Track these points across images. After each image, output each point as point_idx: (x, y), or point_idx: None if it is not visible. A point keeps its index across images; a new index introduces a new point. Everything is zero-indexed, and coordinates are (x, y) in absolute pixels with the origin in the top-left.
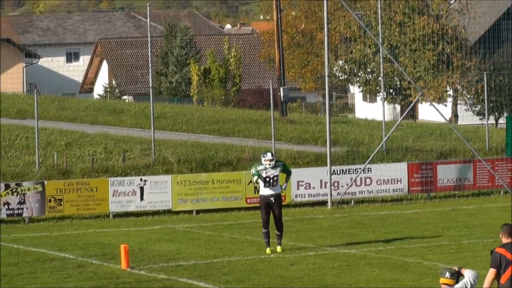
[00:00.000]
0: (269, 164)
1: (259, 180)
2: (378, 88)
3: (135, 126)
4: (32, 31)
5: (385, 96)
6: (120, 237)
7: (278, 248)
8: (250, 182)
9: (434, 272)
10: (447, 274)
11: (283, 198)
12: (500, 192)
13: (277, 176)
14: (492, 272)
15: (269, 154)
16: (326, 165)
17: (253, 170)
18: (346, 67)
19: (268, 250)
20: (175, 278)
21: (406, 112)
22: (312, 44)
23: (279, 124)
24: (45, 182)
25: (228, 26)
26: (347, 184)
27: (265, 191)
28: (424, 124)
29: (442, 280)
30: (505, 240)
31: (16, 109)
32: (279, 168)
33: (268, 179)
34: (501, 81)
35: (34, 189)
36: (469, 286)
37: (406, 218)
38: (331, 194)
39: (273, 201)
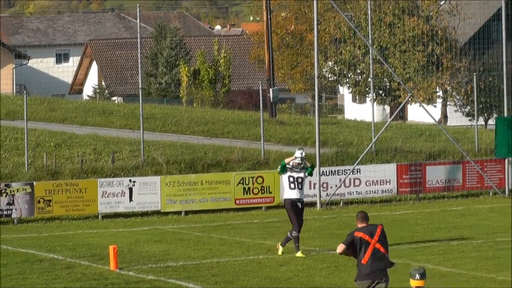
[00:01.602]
0: (296, 167)
1: (283, 180)
2: (367, 89)
3: (125, 127)
4: (22, 32)
5: (374, 97)
6: (109, 238)
7: (299, 253)
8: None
9: None
10: (417, 276)
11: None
12: (489, 193)
13: (302, 178)
14: (341, 246)
15: (298, 158)
16: (315, 166)
17: (279, 168)
18: (336, 68)
19: (299, 254)
20: (164, 279)
21: (395, 113)
22: (301, 45)
23: (269, 125)
24: (34, 183)
25: (218, 27)
26: (336, 185)
27: (291, 194)
28: (414, 125)
29: (413, 283)
30: (360, 225)
31: (5, 110)
32: (303, 170)
33: (292, 179)
34: (491, 82)
35: (23, 190)
36: None
37: (395, 219)
38: (320, 195)
39: (300, 206)
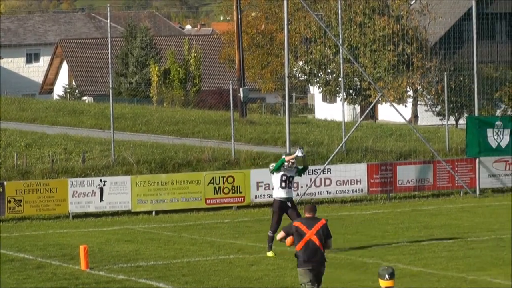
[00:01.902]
0: (290, 167)
1: (274, 179)
2: (338, 88)
3: (95, 127)
4: None
5: (345, 96)
6: (79, 238)
7: (270, 253)
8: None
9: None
10: (387, 276)
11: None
12: (460, 193)
13: (293, 177)
14: (282, 233)
15: (299, 157)
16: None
17: (274, 165)
18: (306, 68)
19: (270, 253)
20: (134, 278)
21: (366, 113)
22: (272, 45)
23: (239, 124)
24: (5, 183)
25: (188, 26)
26: (307, 185)
27: (280, 193)
28: (384, 124)
29: (383, 283)
30: (307, 215)
31: None
32: (295, 169)
33: (285, 177)
34: (461, 81)
35: None
36: None
37: (366, 218)
38: None
39: (290, 205)
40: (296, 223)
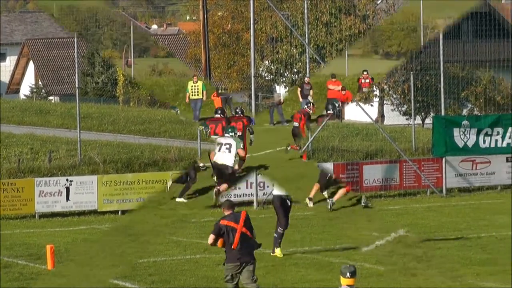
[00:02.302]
0: None
1: None
2: None
3: (61, 126)
4: None
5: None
6: (46, 238)
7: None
8: None
9: (360, 272)
10: (348, 274)
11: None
12: (426, 192)
13: None
14: (212, 237)
15: None
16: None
17: None
18: (272, 67)
19: (278, 251)
20: None
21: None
22: (238, 44)
23: None
24: None
25: (155, 26)
26: (273, 184)
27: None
28: (350, 124)
29: (344, 281)
30: (227, 212)
31: None
32: None
33: None
34: (428, 81)
35: None
36: None
37: (332, 218)
38: (257, 194)
39: (289, 203)
40: (223, 222)
